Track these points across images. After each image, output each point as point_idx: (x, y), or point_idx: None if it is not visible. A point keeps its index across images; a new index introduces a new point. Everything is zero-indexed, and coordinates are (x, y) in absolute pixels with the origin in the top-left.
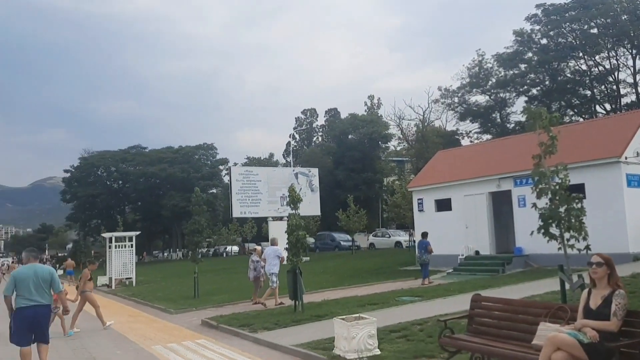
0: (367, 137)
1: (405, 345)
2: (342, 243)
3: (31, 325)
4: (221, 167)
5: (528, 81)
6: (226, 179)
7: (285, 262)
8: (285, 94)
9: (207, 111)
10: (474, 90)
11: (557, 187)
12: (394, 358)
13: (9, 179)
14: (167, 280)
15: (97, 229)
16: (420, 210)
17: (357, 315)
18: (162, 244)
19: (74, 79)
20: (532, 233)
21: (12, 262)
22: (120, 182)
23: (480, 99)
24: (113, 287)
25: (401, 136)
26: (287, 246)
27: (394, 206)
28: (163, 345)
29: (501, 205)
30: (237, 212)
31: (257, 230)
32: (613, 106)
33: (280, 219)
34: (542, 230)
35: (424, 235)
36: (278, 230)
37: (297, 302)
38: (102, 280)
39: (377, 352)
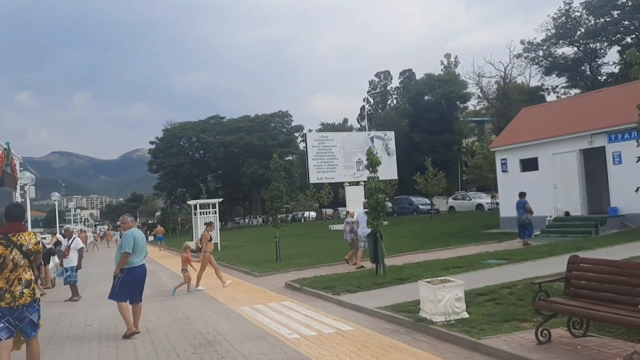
0: (444, 97)
1: (494, 308)
2: (420, 207)
3: (139, 283)
4: (296, 134)
5: (621, 29)
6: (302, 145)
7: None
8: (358, 58)
9: (281, 79)
10: (561, 41)
11: None
12: (483, 321)
13: (101, 152)
14: (250, 245)
15: (182, 197)
16: (504, 171)
17: (443, 278)
18: (243, 210)
19: (154, 55)
20: (637, 190)
21: (108, 230)
22: (202, 151)
23: (567, 51)
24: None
25: (481, 95)
26: (365, 210)
27: (475, 168)
28: (250, 306)
29: (592, 164)
30: (313, 177)
31: (334, 195)
32: None
33: (357, 183)
34: None
35: (522, 195)
36: (355, 195)
37: (378, 266)
38: (189, 245)
39: (465, 315)
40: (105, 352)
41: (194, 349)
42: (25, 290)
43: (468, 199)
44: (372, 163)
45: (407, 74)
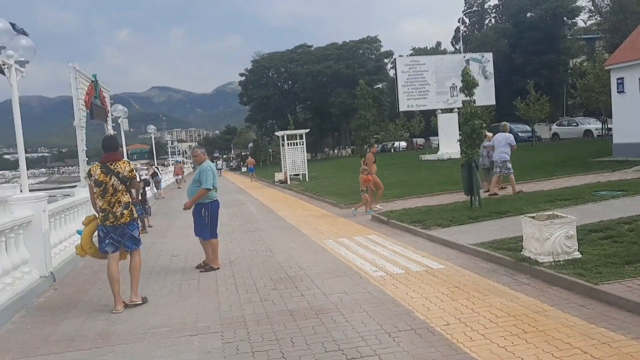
0: (550, 13)
1: (612, 248)
2: (519, 134)
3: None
4: (386, 61)
5: None
6: (392, 73)
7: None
8: None
9: (369, 2)
10: None
11: None
12: (599, 263)
13: (196, 86)
14: (338, 176)
15: (272, 129)
16: (620, 92)
17: (550, 213)
18: (332, 141)
19: None
20: None
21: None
22: (290, 82)
23: None
24: (288, 183)
25: (592, 8)
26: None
27: (585, 90)
28: (334, 240)
29: None
30: (404, 105)
31: (425, 124)
32: None
33: (450, 110)
34: None
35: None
36: (448, 123)
37: (472, 198)
38: (278, 176)
39: (577, 255)
40: (187, 285)
41: (274, 285)
42: (124, 211)
43: (575, 124)
44: (468, 85)
45: None
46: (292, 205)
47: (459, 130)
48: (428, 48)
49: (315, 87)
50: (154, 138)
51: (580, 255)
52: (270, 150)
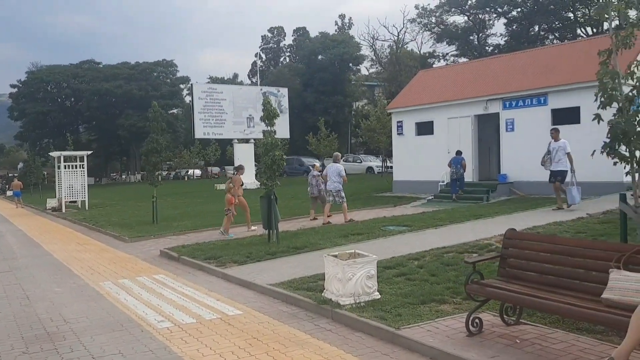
0: (339, 58)
1: (407, 286)
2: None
3: None
4: (182, 86)
5: (510, 1)
6: (188, 99)
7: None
8: (251, 14)
9: (167, 29)
10: (453, 9)
11: (634, 92)
12: (397, 303)
13: None
14: (124, 204)
15: (49, 149)
16: (400, 134)
17: (353, 251)
18: (120, 166)
19: None
20: (593, 153)
21: None
22: (73, 99)
23: (458, 19)
24: (63, 211)
25: (374, 58)
26: (335, 162)
27: (368, 130)
28: (113, 282)
29: (483, 130)
30: (199, 132)
31: (221, 153)
32: (595, 30)
33: (247, 141)
34: (608, 149)
35: (459, 152)
36: (244, 153)
37: (270, 232)
38: (51, 202)
39: (377, 295)
40: None
41: (26, 346)
42: None
43: (359, 161)
44: (269, 115)
45: (301, 32)
46: (65, 237)
47: (255, 161)
48: (225, 78)
49: (102, 107)
50: None
51: (380, 296)
52: (44, 172)
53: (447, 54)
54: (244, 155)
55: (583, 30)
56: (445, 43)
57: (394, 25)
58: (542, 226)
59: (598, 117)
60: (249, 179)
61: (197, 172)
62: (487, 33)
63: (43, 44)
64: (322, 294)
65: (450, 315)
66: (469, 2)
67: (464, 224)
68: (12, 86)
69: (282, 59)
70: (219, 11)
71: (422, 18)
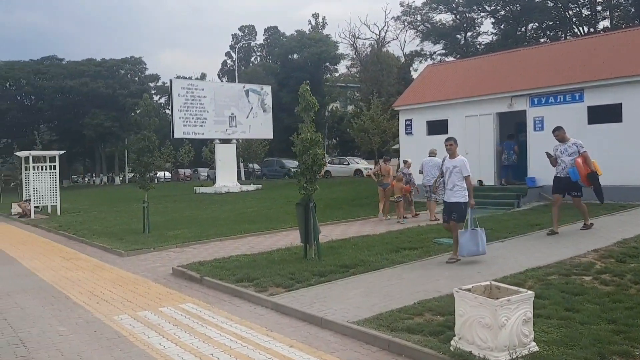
0: (315, 57)
1: (560, 328)
2: (292, 170)
3: None
4: (151, 84)
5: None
6: (157, 97)
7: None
8: (213, 13)
9: (125, 29)
10: (440, 7)
11: None
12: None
13: None
14: (99, 209)
15: (7, 149)
16: (408, 133)
17: (488, 283)
18: (83, 168)
19: None
20: None
21: None
22: (33, 97)
23: (446, 17)
24: (32, 217)
25: (355, 57)
26: (431, 156)
27: (360, 130)
28: (131, 315)
29: (508, 129)
30: (179, 132)
31: (196, 154)
32: (590, 29)
33: (229, 141)
34: None
35: (511, 136)
36: (226, 154)
37: (307, 246)
38: (16, 207)
39: (535, 347)
40: None
41: None
42: None
43: (345, 163)
44: (308, 106)
45: (272, 32)
46: (45, 250)
47: (298, 159)
48: (193, 78)
49: (65, 106)
50: None
51: (537, 347)
52: (2, 174)
53: (434, 52)
54: (225, 156)
55: (578, 29)
56: (430, 42)
57: (375, 24)
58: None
59: None
60: (230, 182)
61: (167, 174)
62: (478, 31)
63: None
64: (454, 345)
65: None
66: (456, 0)
67: (532, 236)
68: None
69: (252, 59)
70: (176, 10)
71: (407, 16)
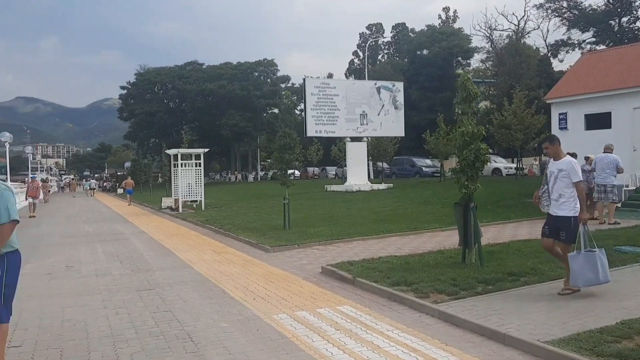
0: (447, 51)
1: None
2: (423, 169)
3: None
4: (282, 85)
5: None
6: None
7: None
8: (337, 17)
9: (256, 33)
10: None
11: None
12: None
13: (69, 100)
14: (239, 205)
15: (155, 148)
16: (563, 128)
17: None
18: (219, 166)
19: (127, 0)
20: None
21: (72, 179)
22: (177, 100)
23: (597, 2)
24: (180, 211)
25: (491, 49)
26: (607, 152)
27: (501, 126)
28: (290, 315)
29: None
30: (311, 130)
31: (324, 153)
32: None
33: (360, 139)
34: None
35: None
36: (357, 153)
37: (467, 250)
38: (166, 202)
39: None
40: None
41: None
42: None
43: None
44: (470, 96)
45: (400, 28)
46: (195, 243)
47: (457, 155)
48: (321, 78)
49: (205, 107)
50: (12, 151)
51: None
52: (152, 171)
53: (582, 41)
54: (356, 155)
55: None
56: (579, 29)
57: (513, 14)
58: None
59: None
60: (360, 180)
61: (296, 172)
62: (636, 15)
63: (144, 50)
64: None
65: None
66: None
67: None
68: (122, 87)
69: (380, 57)
70: (305, 13)
71: (552, 3)
